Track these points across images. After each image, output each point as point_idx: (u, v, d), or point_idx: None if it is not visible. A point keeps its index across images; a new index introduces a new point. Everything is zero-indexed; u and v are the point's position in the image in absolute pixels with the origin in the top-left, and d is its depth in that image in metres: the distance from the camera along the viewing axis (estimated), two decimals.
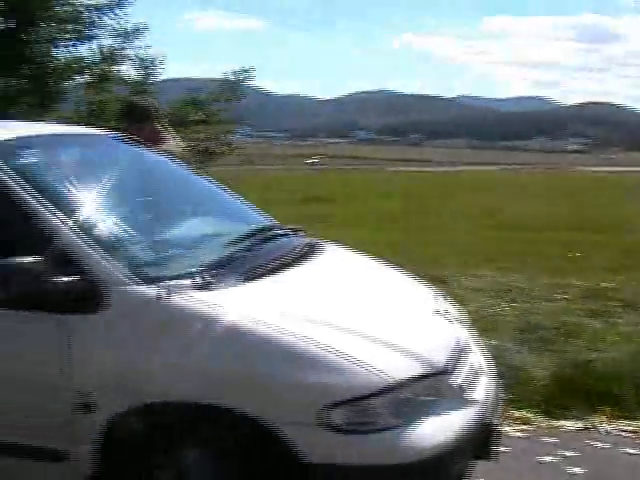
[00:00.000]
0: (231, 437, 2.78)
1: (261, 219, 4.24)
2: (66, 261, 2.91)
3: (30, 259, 2.81)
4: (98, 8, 14.19)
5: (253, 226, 3.97)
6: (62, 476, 2.99)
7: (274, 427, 2.69)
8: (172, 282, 2.91)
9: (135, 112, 5.20)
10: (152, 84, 14.84)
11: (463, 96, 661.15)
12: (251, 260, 3.33)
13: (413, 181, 38.02)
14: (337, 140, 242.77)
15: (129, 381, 2.82)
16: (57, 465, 2.96)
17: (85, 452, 2.88)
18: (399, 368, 2.83)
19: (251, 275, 3.16)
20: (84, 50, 14.30)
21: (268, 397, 2.72)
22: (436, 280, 5.81)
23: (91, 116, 13.78)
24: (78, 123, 4.97)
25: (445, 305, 3.75)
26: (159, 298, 2.84)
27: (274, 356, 2.76)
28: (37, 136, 3.78)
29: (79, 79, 14.54)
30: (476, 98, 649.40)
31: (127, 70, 15.05)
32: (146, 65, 14.68)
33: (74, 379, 2.87)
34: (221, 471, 2.82)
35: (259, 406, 2.71)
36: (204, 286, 2.94)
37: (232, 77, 15.04)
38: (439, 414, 2.88)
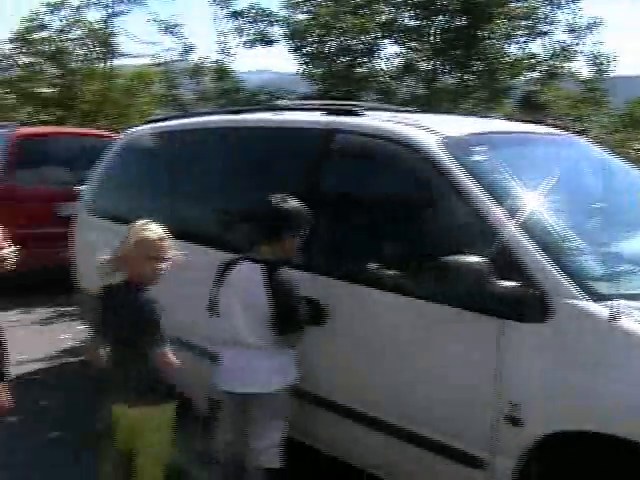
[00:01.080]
0: None
1: None
2: (510, 265, 2.80)
3: (477, 259, 2.75)
4: (553, 3, 14.05)
5: None
6: None
7: None
8: (625, 302, 2.62)
9: (531, 104, 5.04)
10: (603, 81, 14.28)
11: None
12: None
13: None
14: None
15: (564, 403, 2.61)
16: (473, 471, 2.89)
17: (506, 466, 2.76)
18: None
19: None
20: (534, 46, 14.31)
21: None
22: None
23: (534, 112, 13.72)
24: (521, 120, 4.87)
25: None
26: (611, 319, 2.56)
27: None
28: (490, 132, 3.76)
29: (527, 75, 14.60)
30: None
31: (578, 67, 14.73)
32: (600, 62, 14.16)
33: (505, 388, 2.75)
34: None
35: None
36: None
37: None
38: None
